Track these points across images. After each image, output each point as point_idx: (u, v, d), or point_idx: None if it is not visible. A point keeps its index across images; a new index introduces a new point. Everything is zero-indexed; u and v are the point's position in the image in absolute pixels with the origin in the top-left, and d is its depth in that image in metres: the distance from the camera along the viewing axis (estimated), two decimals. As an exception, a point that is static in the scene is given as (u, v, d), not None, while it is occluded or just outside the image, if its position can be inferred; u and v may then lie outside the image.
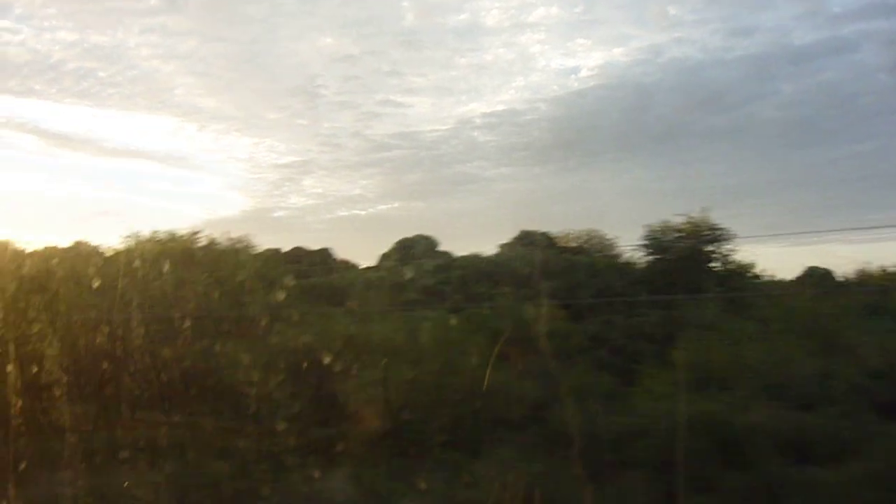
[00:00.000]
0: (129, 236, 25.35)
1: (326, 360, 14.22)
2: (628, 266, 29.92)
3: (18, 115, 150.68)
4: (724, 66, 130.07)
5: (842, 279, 30.22)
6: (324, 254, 45.73)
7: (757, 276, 27.10)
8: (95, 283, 16.45)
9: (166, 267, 17.69)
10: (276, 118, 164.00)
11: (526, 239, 34.20)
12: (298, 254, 43.48)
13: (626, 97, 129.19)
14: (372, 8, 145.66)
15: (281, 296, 17.59)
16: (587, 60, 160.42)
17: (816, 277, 29.74)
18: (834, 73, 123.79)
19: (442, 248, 46.67)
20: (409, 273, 29.44)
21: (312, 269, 40.66)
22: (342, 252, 45.36)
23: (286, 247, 41.95)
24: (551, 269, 27.00)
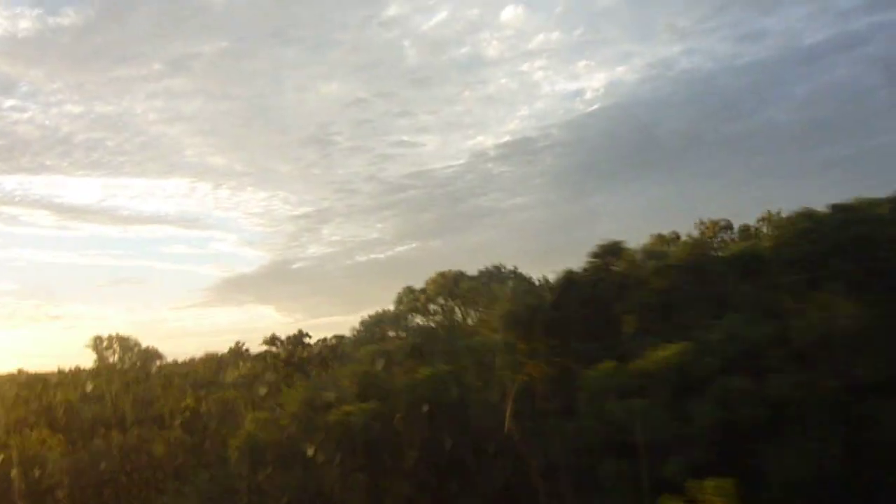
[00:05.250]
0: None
1: None
2: None
3: (32, 191, 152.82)
4: (735, 74, 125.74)
5: None
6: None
7: None
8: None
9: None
10: (289, 170, 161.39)
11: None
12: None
13: (638, 114, 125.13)
14: (376, 51, 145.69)
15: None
16: (591, 82, 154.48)
17: None
18: (846, 70, 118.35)
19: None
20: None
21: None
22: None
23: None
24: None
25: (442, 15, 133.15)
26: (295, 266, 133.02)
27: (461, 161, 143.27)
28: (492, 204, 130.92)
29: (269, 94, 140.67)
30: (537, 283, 57.38)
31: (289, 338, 76.59)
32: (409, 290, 58.37)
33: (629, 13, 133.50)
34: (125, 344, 70.83)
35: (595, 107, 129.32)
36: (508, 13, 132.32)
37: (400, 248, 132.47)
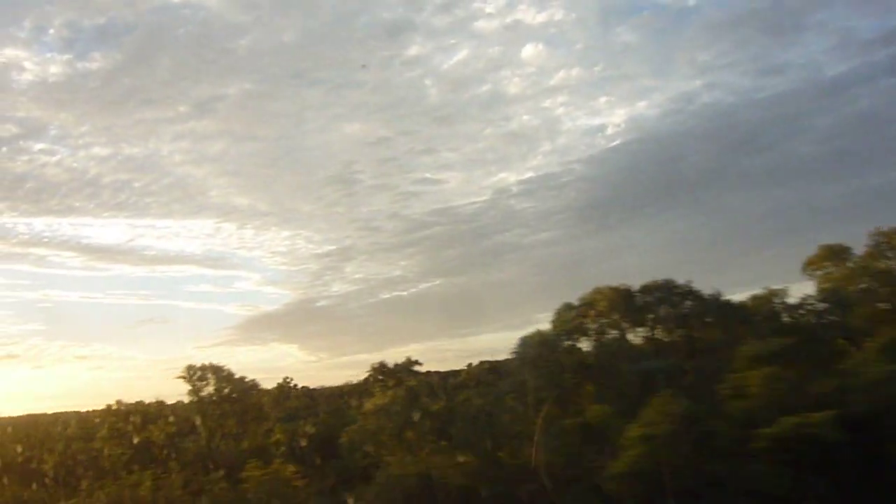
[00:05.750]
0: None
1: None
2: None
3: (60, 232, 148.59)
4: (756, 107, 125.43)
5: None
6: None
7: None
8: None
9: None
10: (313, 209, 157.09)
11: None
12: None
13: (659, 149, 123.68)
14: (399, 90, 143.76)
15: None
16: (612, 117, 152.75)
17: None
18: (869, 101, 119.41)
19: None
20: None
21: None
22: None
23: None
24: None
25: (463, 53, 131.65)
26: (318, 304, 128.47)
27: (484, 197, 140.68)
28: (515, 240, 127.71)
29: (292, 134, 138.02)
30: (708, 297, 52.75)
31: (396, 365, 70.40)
32: (569, 307, 53.01)
33: (649, 49, 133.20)
34: (219, 374, 63.98)
35: (616, 142, 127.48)
36: (529, 51, 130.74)
37: (423, 285, 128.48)
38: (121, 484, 30.65)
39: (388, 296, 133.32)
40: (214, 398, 62.59)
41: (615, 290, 50.48)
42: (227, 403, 62.92)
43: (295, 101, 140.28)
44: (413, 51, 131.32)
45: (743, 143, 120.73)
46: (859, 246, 53.01)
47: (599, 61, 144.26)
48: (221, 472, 35.66)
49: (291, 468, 31.83)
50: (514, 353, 51.99)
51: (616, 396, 45.72)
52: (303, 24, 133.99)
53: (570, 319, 51.57)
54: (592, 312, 50.50)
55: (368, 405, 53.92)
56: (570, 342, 51.12)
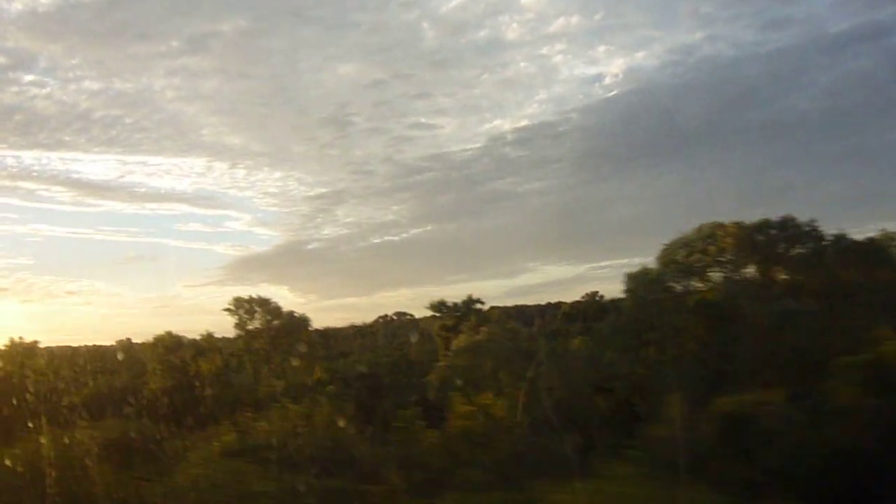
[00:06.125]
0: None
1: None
2: None
3: (49, 167, 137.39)
4: (757, 61, 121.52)
5: None
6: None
7: None
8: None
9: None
10: (306, 150, 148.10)
11: None
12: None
13: (657, 101, 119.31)
14: (395, 32, 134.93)
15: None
16: (611, 67, 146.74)
17: None
18: (871, 59, 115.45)
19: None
20: None
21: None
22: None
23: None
24: None
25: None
26: (309, 247, 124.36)
27: (478, 144, 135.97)
28: (508, 188, 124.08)
29: (287, 73, 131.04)
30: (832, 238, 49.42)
31: (455, 304, 65.55)
32: (680, 243, 48.87)
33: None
34: (266, 307, 57.99)
35: (614, 92, 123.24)
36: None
37: (415, 231, 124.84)
38: (279, 413, 25.45)
39: (379, 240, 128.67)
40: (262, 333, 56.78)
41: (739, 225, 46.48)
42: (276, 339, 57.18)
43: (290, 39, 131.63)
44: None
45: (742, 98, 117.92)
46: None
47: (600, 9, 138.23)
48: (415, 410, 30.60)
49: (500, 403, 26.88)
50: (624, 291, 47.77)
51: (747, 339, 42.19)
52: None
53: (686, 256, 47.53)
54: (713, 249, 46.45)
55: (457, 342, 49.25)
56: (683, 280, 47.18)
